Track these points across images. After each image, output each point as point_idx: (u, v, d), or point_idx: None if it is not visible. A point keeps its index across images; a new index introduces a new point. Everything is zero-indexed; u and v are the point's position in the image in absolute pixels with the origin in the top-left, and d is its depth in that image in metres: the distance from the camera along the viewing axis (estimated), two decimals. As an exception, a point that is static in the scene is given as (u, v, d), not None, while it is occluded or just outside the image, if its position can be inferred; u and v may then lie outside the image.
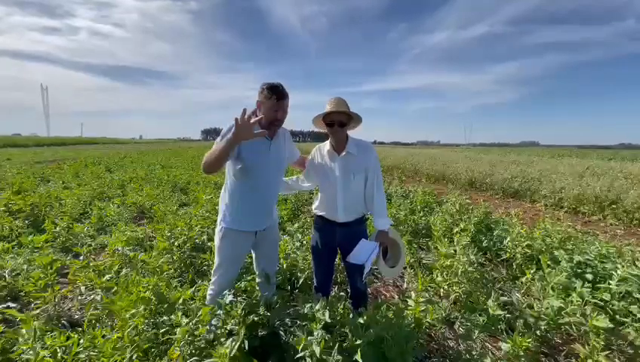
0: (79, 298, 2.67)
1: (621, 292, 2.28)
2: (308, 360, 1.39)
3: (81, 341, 1.72)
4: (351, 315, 1.64)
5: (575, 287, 2.23)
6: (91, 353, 1.68)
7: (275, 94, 1.68)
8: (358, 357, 1.38)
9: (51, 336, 1.77)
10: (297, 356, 1.42)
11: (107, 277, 2.47)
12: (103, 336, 1.71)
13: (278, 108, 1.70)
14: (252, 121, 1.53)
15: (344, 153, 1.90)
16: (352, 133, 2.00)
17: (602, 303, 2.28)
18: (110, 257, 2.92)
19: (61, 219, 4.04)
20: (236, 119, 1.50)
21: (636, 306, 2.12)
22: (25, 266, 2.76)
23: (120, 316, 1.77)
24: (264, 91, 1.70)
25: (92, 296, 2.50)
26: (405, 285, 3.14)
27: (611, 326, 1.87)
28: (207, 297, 1.88)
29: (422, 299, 2.04)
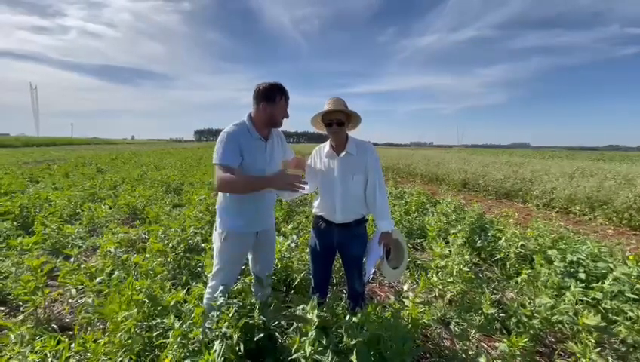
0: (70, 301, 2.62)
1: (613, 291, 2.31)
2: (302, 361, 1.38)
3: (72, 345, 1.68)
4: (347, 316, 1.63)
5: (569, 286, 2.25)
6: (82, 357, 1.64)
7: (287, 97, 1.76)
8: (353, 357, 1.37)
9: (41, 341, 1.72)
10: (291, 357, 1.41)
11: (99, 279, 2.43)
12: (95, 340, 1.67)
13: (286, 109, 1.78)
14: (290, 172, 1.66)
15: (344, 153, 1.89)
16: (350, 133, 2.00)
17: (594, 302, 2.31)
18: (102, 259, 2.86)
19: (50, 220, 3.96)
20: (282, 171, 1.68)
21: (627, 305, 2.15)
22: (13, 269, 2.69)
23: (111, 319, 1.73)
24: (273, 92, 1.72)
25: (83, 299, 2.45)
26: (401, 285, 3.14)
27: (602, 324, 1.89)
28: (205, 301, 1.85)
29: (418, 300, 2.04)
